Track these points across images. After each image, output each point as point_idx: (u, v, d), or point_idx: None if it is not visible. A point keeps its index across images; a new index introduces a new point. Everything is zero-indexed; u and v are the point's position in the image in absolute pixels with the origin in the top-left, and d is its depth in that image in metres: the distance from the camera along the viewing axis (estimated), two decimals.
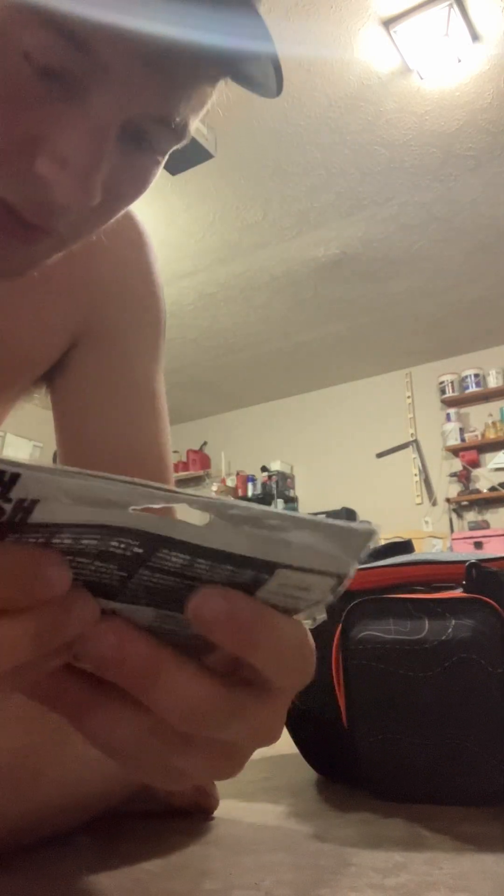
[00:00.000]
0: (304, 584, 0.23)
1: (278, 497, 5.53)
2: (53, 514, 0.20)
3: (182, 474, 5.97)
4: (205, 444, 6.26)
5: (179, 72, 0.36)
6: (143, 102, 0.36)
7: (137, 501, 0.20)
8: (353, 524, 0.21)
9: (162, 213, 3.40)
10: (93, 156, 0.36)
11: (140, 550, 0.21)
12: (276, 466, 5.70)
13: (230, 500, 0.21)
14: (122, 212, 0.44)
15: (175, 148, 0.41)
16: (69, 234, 0.41)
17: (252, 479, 5.76)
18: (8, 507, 0.19)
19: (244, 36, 0.36)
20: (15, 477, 0.18)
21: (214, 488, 5.79)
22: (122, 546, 0.21)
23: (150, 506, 0.20)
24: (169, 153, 0.42)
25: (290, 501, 5.66)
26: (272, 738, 0.26)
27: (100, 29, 0.33)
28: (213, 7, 0.34)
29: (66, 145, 0.35)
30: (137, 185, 0.42)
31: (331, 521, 0.21)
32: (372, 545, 0.22)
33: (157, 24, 0.34)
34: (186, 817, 0.60)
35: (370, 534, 0.22)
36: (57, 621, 0.21)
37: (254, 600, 0.22)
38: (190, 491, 0.21)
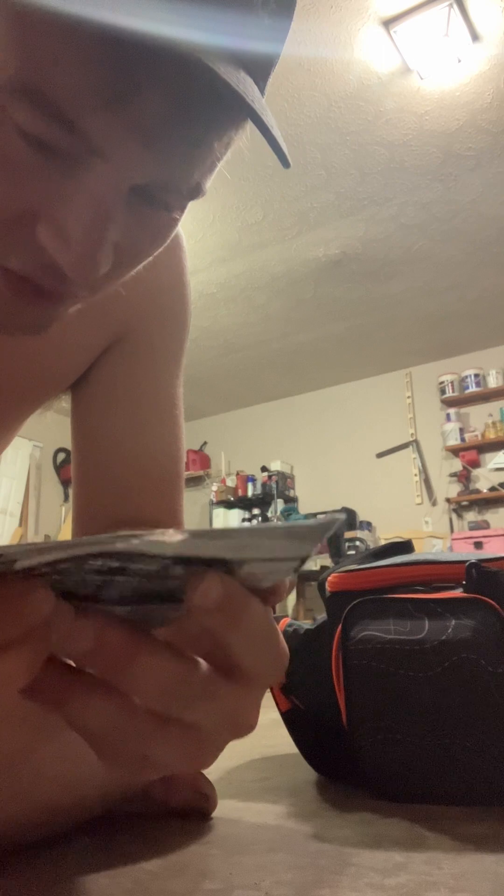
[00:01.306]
0: (269, 570, 0.25)
1: (278, 497, 5.53)
2: (34, 563, 0.22)
3: (184, 476, 5.97)
4: (205, 444, 6.26)
5: (179, 143, 0.35)
6: (144, 174, 0.35)
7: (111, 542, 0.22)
8: (310, 523, 0.23)
9: None
10: (95, 230, 0.35)
11: (116, 564, 0.22)
12: (276, 466, 5.70)
13: (199, 528, 0.23)
14: (139, 266, 0.43)
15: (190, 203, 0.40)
16: (86, 293, 0.40)
17: (252, 479, 5.76)
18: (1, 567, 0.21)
19: (235, 109, 0.34)
20: (13, 560, 0.21)
21: (214, 488, 5.79)
22: (99, 563, 0.22)
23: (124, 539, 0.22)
24: (187, 208, 0.41)
25: (290, 501, 5.66)
26: (246, 726, 0.27)
27: (87, 109, 0.32)
28: (210, 92, 0.32)
29: (66, 218, 0.34)
30: (154, 243, 0.41)
31: (290, 524, 0.23)
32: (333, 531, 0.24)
33: (152, 99, 0.32)
34: (186, 818, 0.60)
35: (333, 522, 0.23)
36: (42, 641, 0.23)
37: (242, 588, 0.24)
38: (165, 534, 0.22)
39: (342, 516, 0.24)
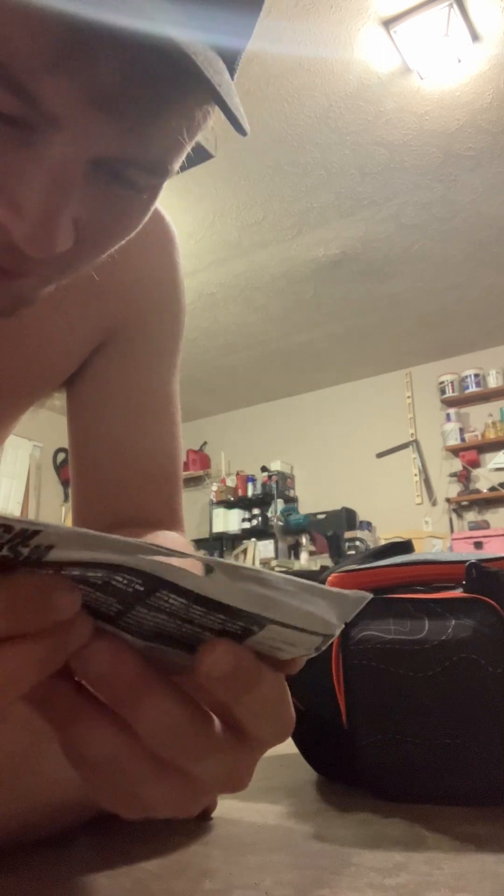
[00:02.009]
0: (290, 640, 0.24)
1: (278, 497, 5.53)
2: (66, 556, 0.21)
3: (182, 474, 5.97)
4: (205, 444, 6.26)
5: (137, 113, 0.34)
6: (102, 146, 0.34)
7: (145, 556, 0.21)
8: (347, 592, 0.23)
9: None
10: (50, 203, 0.33)
11: (141, 588, 0.22)
12: (276, 466, 5.70)
13: (236, 562, 0.22)
14: (111, 249, 0.41)
15: (160, 183, 0.39)
16: (52, 273, 0.39)
17: (252, 479, 5.76)
18: (26, 550, 0.20)
19: (192, 77, 0.32)
20: (35, 533, 0.20)
21: (214, 488, 5.79)
22: (125, 581, 0.22)
23: (157, 557, 0.21)
24: (158, 189, 0.40)
25: (290, 501, 5.66)
26: (240, 786, 0.26)
27: (41, 76, 0.31)
28: (162, 45, 0.31)
29: (20, 193, 0.33)
30: (122, 223, 0.40)
31: (327, 588, 0.23)
32: (360, 609, 0.24)
33: (106, 68, 0.31)
34: (185, 818, 0.60)
35: (362, 600, 0.23)
36: (60, 644, 0.22)
37: (253, 657, 0.24)
38: (199, 552, 0.22)
39: (369, 596, 0.24)
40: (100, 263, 0.43)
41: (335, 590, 0.23)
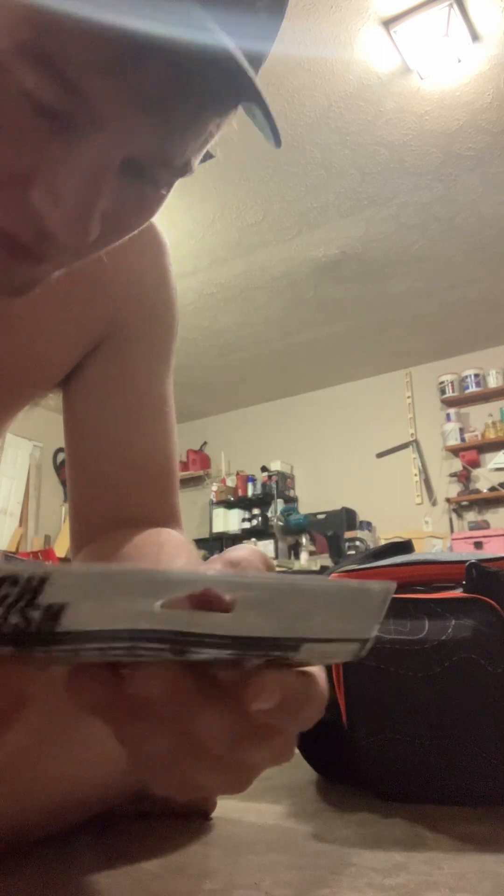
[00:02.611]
0: (328, 653, 0.24)
1: (278, 497, 5.53)
2: (81, 621, 0.19)
3: (182, 474, 5.96)
4: (205, 444, 6.26)
5: (177, 116, 0.36)
6: (140, 145, 0.36)
7: (161, 591, 0.20)
8: (369, 584, 0.22)
9: (162, 214, 3.38)
10: (87, 194, 0.36)
11: (170, 655, 0.22)
12: (276, 466, 5.70)
13: (250, 576, 0.22)
14: (123, 238, 0.43)
15: (178, 180, 0.41)
16: (68, 258, 0.41)
17: (252, 479, 5.76)
18: (36, 614, 0.19)
19: (235, 84, 0.35)
20: (43, 580, 0.18)
21: (214, 488, 5.79)
22: (152, 652, 0.21)
23: (176, 595, 0.20)
24: (174, 184, 0.42)
25: (290, 501, 5.66)
26: (288, 758, 0.28)
27: (92, 74, 0.33)
28: (207, 55, 0.33)
29: (60, 181, 0.35)
30: (140, 216, 0.42)
31: (347, 583, 0.22)
32: (389, 601, 0.23)
33: (154, 71, 0.33)
34: (186, 817, 0.60)
35: (387, 591, 0.23)
36: None
37: (298, 681, 0.25)
38: (211, 572, 0.21)
39: (394, 585, 0.24)
40: (101, 258, 0.44)
41: (353, 584, 0.22)
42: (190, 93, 0.35)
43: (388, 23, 2.44)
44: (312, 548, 5.16)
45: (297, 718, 0.26)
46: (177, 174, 0.40)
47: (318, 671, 0.27)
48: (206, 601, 0.21)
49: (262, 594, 0.21)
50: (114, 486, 0.64)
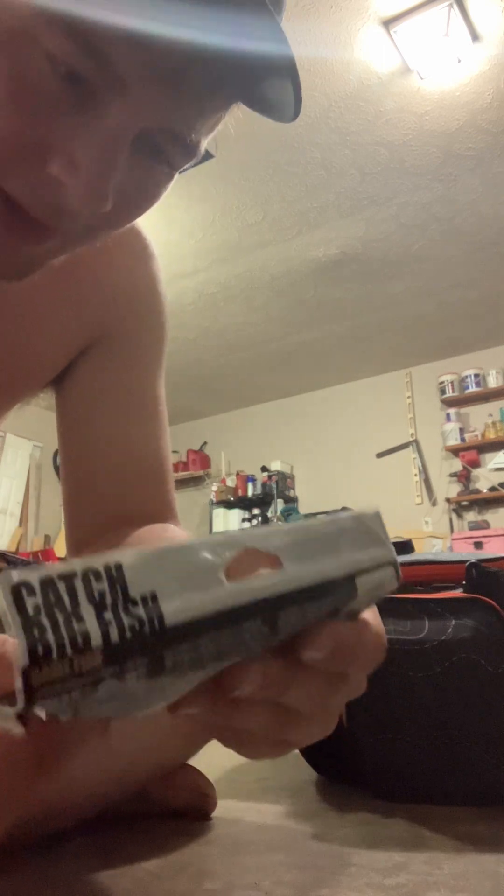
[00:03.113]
0: (377, 583, 0.26)
1: (278, 497, 5.52)
2: (178, 610, 0.19)
3: (182, 474, 5.97)
4: (205, 444, 6.26)
5: (196, 89, 0.37)
6: (158, 117, 0.37)
7: (216, 551, 0.20)
8: (364, 509, 0.25)
9: (162, 213, 3.40)
10: (105, 163, 0.36)
11: (267, 630, 0.22)
12: (276, 466, 5.70)
13: (283, 526, 0.23)
14: (132, 221, 0.44)
15: (186, 164, 0.42)
16: (75, 237, 0.41)
17: (252, 479, 5.76)
18: (140, 610, 0.18)
19: (264, 54, 0.36)
20: (119, 566, 0.18)
21: (214, 488, 5.79)
22: (252, 635, 0.22)
23: (227, 553, 0.21)
24: (181, 170, 0.42)
25: (290, 501, 5.65)
26: (359, 692, 0.30)
27: (117, 41, 0.34)
28: (233, 24, 0.34)
29: (79, 151, 0.35)
30: (148, 196, 0.43)
31: (354, 511, 0.24)
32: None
33: (176, 40, 0.34)
34: (185, 817, 0.60)
35: (377, 513, 0.26)
36: None
37: (351, 628, 0.26)
38: (248, 530, 0.22)
39: (377, 508, 0.26)
40: (95, 262, 0.44)
41: (363, 510, 0.24)
42: (211, 64, 0.36)
43: (388, 23, 2.44)
44: None
45: (357, 663, 0.27)
46: (187, 154, 0.40)
47: (371, 618, 0.29)
48: (255, 562, 0.22)
49: (300, 538, 0.22)
50: (109, 483, 0.64)
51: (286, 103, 0.39)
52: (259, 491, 5.66)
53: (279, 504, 5.51)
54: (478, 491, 4.87)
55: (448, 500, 4.97)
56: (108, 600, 0.18)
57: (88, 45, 0.33)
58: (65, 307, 0.61)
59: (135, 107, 0.36)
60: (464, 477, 4.94)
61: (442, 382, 5.19)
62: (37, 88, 0.34)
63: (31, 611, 0.17)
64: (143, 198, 0.42)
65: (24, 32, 0.33)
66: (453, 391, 5.12)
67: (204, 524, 5.81)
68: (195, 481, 6.09)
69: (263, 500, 5.59)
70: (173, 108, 0.37)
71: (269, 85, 0.38)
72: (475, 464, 4.98)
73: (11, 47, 0.33)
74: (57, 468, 5.86)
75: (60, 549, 5.10)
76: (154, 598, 0.19)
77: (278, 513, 5.45)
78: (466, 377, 5.09)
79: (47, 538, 5.62)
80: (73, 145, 0.36)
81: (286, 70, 0.36)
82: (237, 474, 5.87)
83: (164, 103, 0.36)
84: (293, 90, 0.38)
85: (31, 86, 0.34)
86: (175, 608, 0.19)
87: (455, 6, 2.36)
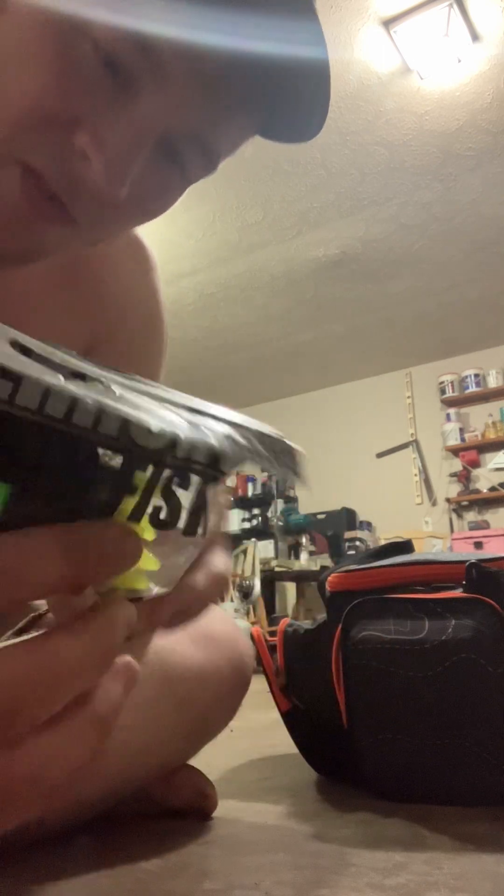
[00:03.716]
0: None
1: (278, 497, 5.53)
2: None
3: None
4: None
5: (233, 99, 0.38)
6: (189, 118, 0.38)
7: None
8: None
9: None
10: (130, 148, 0.37)
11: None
12: None
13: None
14: (139, 222, 0.45)
15: (201, 178, 0.43)
16: (85, 225, 0.41)
17: (252, 479, 5.76)
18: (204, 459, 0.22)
19: (301, 65, 0.38)
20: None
21: None
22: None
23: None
24: (192, 181, 0.43)
25: (291, 501, 5.65)
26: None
27: (169, 37, 0.35)
28: (277, 32, 0.36)
29: (107, 130, 0.37)
30: (160, 200, 0.43)
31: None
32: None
33: (224, 47, 0.36)
34: (186, 817, 0.60)
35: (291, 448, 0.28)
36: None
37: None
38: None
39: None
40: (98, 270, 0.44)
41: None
42: (251, 76, 0.37)
43: (388, 23, 2.44)
44: (312, 548, 5.15)
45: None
46: (205, 165, 0.42)
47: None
48: None
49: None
50: None
51: (312, 117, 0.41)
52: (259, 491, 5.66)
53: (279, 504, 5.51)
54: (478, 491, 4.87)
55: (448, 500, 4.97)
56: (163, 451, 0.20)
57: (139, 36, 0.35)
58: (66, 313, 0.61)
59: (171, 102, 0.37)
60: (464, 477, 4.94)
61: (442, 382, 5.19)
62: (78, 69, 0.36)
63: None
64: (155, 200, 0.43)
65: (77, 18, 0.35)
66: (453, 391, 5.12)
67: None
68: None
69: (263, 500, 5.59)
70: (207, 114, 0.38)
71: (297, 102, 0.40)
72: (475, 464, 4.98)
73: (62, 29, 0.35)
74: None
75: None
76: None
77: (278, 513, 5.45)
78: (466, 377, 5.09)
79: None
80: (103, 124, 0.37)
81: (320, 81, 0.38)
82: (237, 474, 5.87)
83: (200, 106, 0.38)
84: (322, 105, 0.40)
85: (73, 65, 0.36)
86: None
87: (455, 6, 2.36)
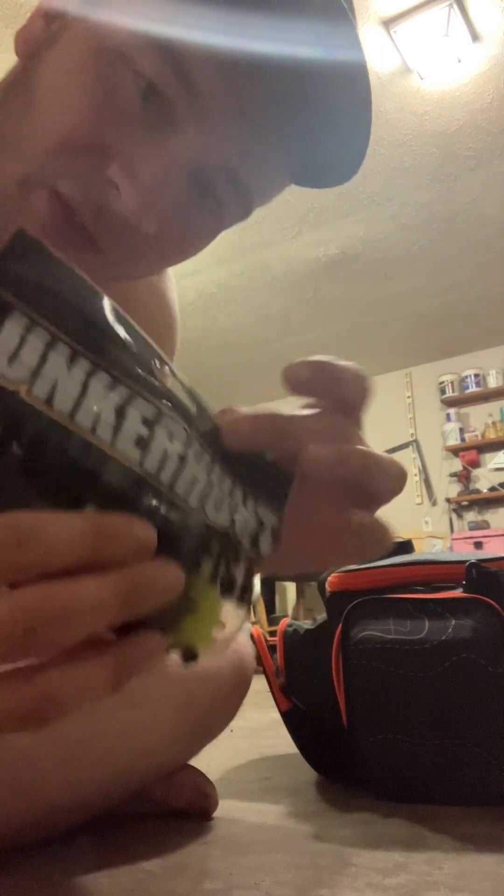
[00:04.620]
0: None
1: None
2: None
3: None
4: None
5: (268, 135, 0.38)
6: (224, 152, 0.38)
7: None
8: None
9: None
10: (162, 181, 0.37)
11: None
12: None
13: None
14: (169, 261, 0.44)
15: (233, 225, 0.42)
16: (111, 254, 0.41)
17: None
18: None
19: (340, 108, 0.38)
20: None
21: None
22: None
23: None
24: (227, 227, 0.43)
25: None
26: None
27: (211, 73, 0.35)
28: (320, 79, 0.36)
29: (141, 163, 0.36)
30: (192, 238, 0.42)
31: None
32: None
33: (265, 85, 0.36)
34: (186, 817, 0.60)
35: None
36: (145, 584, 0.22)
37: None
38: None
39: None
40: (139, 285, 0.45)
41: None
42: (289, 112, 0.37)
43: (388, 23, 2.44)
44: None
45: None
46: (239, 207, 0.41)
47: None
48: None
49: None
50: None
51: (348, 159, 0.41)
52: None
53: None
54: (478, 491, 4.87)
55: (448, 500, 4.97)
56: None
57: (180, 69, 0.35)
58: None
59: (209, 137, 0.37)
60: (464, 477, 4.94)
61: (442, 382, 5.19)
62: (116, 98, 0.36)
63: None
64: (186, 239, 0.42)
65: (118, 49, 0.35)
66: (453, 391, 5.12)
67: None
68: None
69: None
70: (243, 147, 0.38)
71: (336, 139, 0.40)
72: (475, 464, 4.98)
73: (103, 59, 0.35)
74: None
75: None
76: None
77: None
78: (466, 377, 5.09)
79: None
80: (136, 155, 0.36)
81: (359, 120, 0.38)
82: None
83: (236, 140, 0.37)
84: (360, 147, 0.39)
85: (111, 94, 0.35)
86: None
87: (455, 6, 2.36)
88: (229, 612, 0.25)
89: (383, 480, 0.31)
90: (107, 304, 0.23)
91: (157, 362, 0.25)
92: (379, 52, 2.57)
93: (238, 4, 0.34)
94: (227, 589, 0.25)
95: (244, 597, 0.26)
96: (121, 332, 0.23)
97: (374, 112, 2.48)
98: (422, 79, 2.69)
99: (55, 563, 0.20)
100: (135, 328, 0.24)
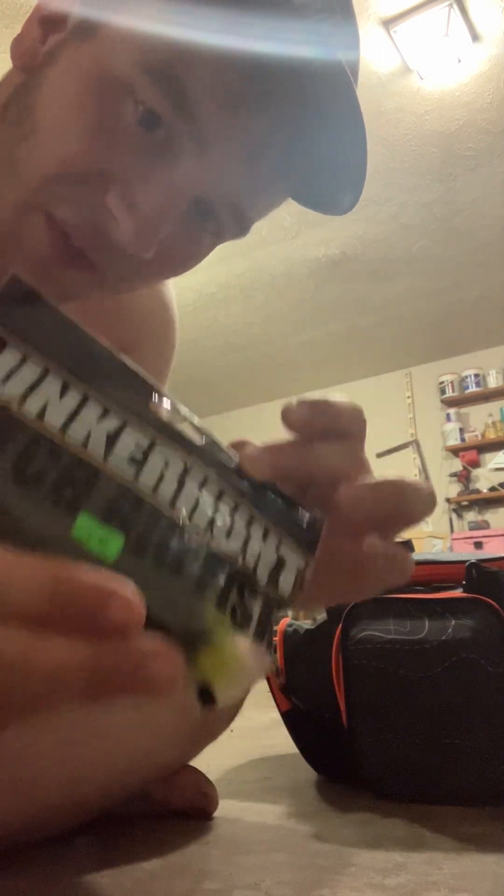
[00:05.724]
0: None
1: None
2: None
3: None
4: None
5: (269, 164, 0.38)
6: (224, 185, 0.38)
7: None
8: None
9: None
10: (161, 210, 0.37)
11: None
12: None
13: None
14: (166, 278, 0.45)
15: (231, 240, 0.43)
16: (108, 278, 0.41)
17: None
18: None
19: (337, 140, 0.38)
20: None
21: None
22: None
23: None
24: (223, 242, 0.43)
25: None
26: None
27: (212, 101, 0.35)
28: (317, 114, 0.36)
29: (140, 193, 0.36)
30: (188, 257, 0.43)
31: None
32: None
33: (268, 121, 0.36)
34: (186, 817, 0.60)
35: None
36: (124, 667, 0.17)
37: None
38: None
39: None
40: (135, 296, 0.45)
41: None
42: (288, 148, 0.37)
43: (388, 23, 2.44)
44: None
45: None
46: (238, 229, 0.41)
47: None
48: None
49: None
50: None
51: (344, 195, 0.41)
52: None
53: None
54: (478, 491, 4.87)
55: (448, 500, 4.97)
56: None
57: (181, 97, 0.35)
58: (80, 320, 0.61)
59: (208, 167, 0.37)
60: (464, 477, 4.94)
61: (442, 382, 5.19)
62: (116, 127, 0.35)
63: None
64: (184, 258, 0.43)
65: (119, 77, 0.35)
66: (453, 391, 5.12)
67: None
68: None
69: None
70: (244, 180, 0.38)
71: (333, 173, 0.40)
72: (475, 464, 4.98)
73: (104, 87, 0.35)
74: None
75: None
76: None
77: None
78: (466, 377, 5.09)
79: None
80: (135, 185, 0.36)
81: (355, 150, 0.38)
82: None
83: (237, 172, 0.37)
84: (354, 182, 0.39)
85: (111, 123, 0.35)
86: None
87: (455, 6, 2.36)
88: (247, 649, 0.22)
89: (420, 506, 0.32)
90: (102, 347, 0.24)
91: (155, 397, 0.26)
92: (379, 52, 2.57)
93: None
94: (242, 624, 0.23)
95: (263, 636, 0.24)
96: (114, 368, 0.24)
97: (375, 112, 2.49)
98: (422, 79, 2.69)
99: (7, 609, 0.17)
100: (128, 366, 0.25)
